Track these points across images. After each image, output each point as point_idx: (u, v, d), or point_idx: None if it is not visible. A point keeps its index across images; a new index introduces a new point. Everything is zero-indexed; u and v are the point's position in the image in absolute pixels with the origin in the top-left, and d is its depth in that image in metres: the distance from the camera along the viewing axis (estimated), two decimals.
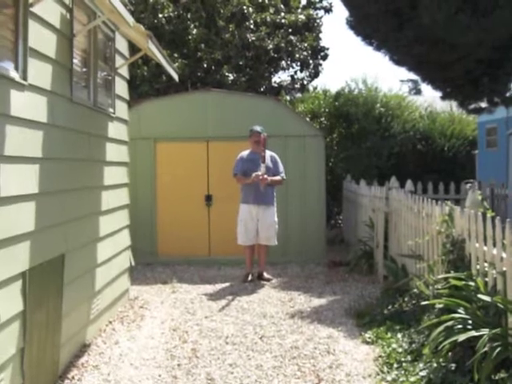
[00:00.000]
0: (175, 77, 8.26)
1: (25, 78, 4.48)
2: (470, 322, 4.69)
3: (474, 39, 8.65)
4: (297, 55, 16.19)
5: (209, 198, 10.77)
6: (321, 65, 16.97)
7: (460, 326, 4.68)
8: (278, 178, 9.26)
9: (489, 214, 5.23)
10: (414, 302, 6.35)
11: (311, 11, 16.82)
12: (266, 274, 9.28)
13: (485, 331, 4.42)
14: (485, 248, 5.08)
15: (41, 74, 4.83)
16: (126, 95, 7.99)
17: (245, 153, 9.35)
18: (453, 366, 4.62)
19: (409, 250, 7.48)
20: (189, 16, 15.18)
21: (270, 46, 15.48)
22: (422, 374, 4.79)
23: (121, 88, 7.62)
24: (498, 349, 4.24)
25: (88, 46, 6.28)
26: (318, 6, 17.41)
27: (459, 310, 4.84)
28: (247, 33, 15.21)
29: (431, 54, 9.35)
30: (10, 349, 4.17)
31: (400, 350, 5.48)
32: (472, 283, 5.07)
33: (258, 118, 10.14)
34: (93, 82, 6.35)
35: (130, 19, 5.60)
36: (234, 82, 15.09)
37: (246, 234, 9.22)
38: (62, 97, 5.34)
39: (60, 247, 5.21)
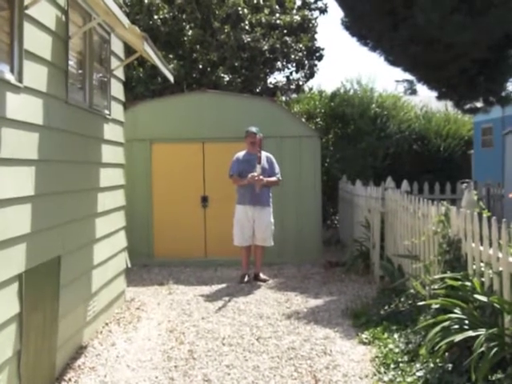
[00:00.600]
0: (171, 78, 8.25)
1: (20, 81, 4.47)
2: (466, 322, 4.70)
3: (469, 39, 8.66)
4: (292, 56, 16.19)
5: (205, 199, 10.77)
6: (316, 65, 16.99)
7: (456, 326, 4.68)
8: (273, 178, 9.26)
9: (485, 214, 5.24)
10: (410, 302, 6.36)
11: (306, 12, 16.82)
12: (262, 275, 9.28)
13: (481, 331, 4.42)
14: (481, 248, 5.09)
15: (36, 76, 4.82)
16: (122, 97, 7.98)
17: (240, 154, 9.34)
18: (450, 366, 4.63)
19: (405, 251, 7.49)
20: (184, 17, 15.18)
21: (266, 47, 15.49)
22: (419, 374, 4.79)
23: (116, 89, 7.61)
24: (495, 349, 4.24)
25: (83, 47, 6.27)
26: (313, 6, 17.42)
27: (456, 310, 4.85)
28: (242, 34, 15.21)
29: (426, 53, 9.36)
30: (7, 351, 4.17)
31: (397, 350, 5.48)
32: (468, 283, 5.07)
33: (254, 118, 10.14)
34: (88, 84, 6.35)
35: (126, 21, 5.59)
36: (229, 83, 15.08)
37: (242, 235, 9.22)
38: (58, 99, 5.33)
39: (56, 249, 5.20)
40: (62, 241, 5.36)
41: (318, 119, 15.26)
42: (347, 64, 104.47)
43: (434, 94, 11.39)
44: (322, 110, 15.41)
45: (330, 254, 10.99)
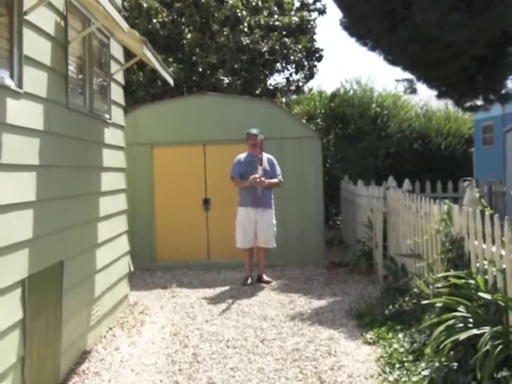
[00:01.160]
0: (170, 81, 8.25)
1: (20, 86, 4.47)
2: (470, 320, 4.68)
3: (468, 37, 8.66)
4: (291, 57, 16.18)
5: (207, 202, 10.76)
6: (316, 66, 16.96)
7: (461, 325, 4.67)
8: (275, 180, 9.25)
9: (487, 212, 5.23)
10: (414, 301, 6.35)
11: (305, 13, 16.80)
12: (265, 277, 9.28)
13: (486, 329, 4.41)
14: (484, 246, 5.08)
15: (36, 81, 4.82)
16: (122, 101, 7.98)
17: (242, 156, 9.34)
18: (455, 365, 4.61)
19: (408, 250, 7.48)
20: (183, 20, 15.17)
21: (265, 49, 15.48)
22: (424, 373, 4.78)
23: (116, 94, 7.61)
24: (500, 347, 4.23)
25: (83, 52, 6.27)
26: (311, 7, 17.41)
27: (460, 309, 4.84)
28: (241, 36, 15.20)
29: (425, 52, 9.36)
30: (11, 357, 4.16)
31: (401, 349, 5.47)
32: (472, 281, 5.06)
33: (254, 120, 10.14)
34: (88, 89, 6.35)
35: (125, 25, 5.59)
36: (229, 86, 15.07)
37: (245, 237, 9.21)
38: (58, 104, 5.33)
39: (59, 254, 5.20)
40: (65, 246, 5.36)
41: (319, 120, 15.28)
42: (347, 64, 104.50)
43: (434, 92, 11.39)
44: (323, 111, 15.43)
45: (333, 255, 10.98)
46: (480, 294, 4.82)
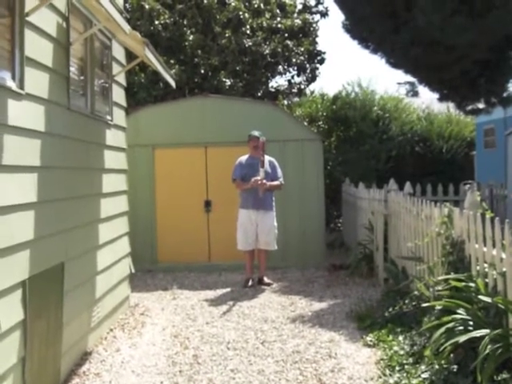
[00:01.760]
0: (172, 83, 8.26)
1: (22, 87, 4.49)
2: (470, 323, 4.69)
3: (470, 40, 8.67)
4: (293, 60, 16.18)
5: (208, 204, 10.77)
6: (318, 69, 16.96)
7: (461, 328, 4.67)
8: (276, 182, 9.26)
9: (488, 215, 5.23)
10: (414, 303, 6.34)
11: (307, 16, 16.81)
12: (266, 279, 9.28)
13: (486, 332, 4.41)
14: (484, 249, 5.08)
15: (38, 82, 4.83)
16: (124, 102, 7.99)
17: (243, 158, 9.35)
18: (455, 367, 4.62)
19: (409, 252, 7.48)
20: (185, 22, 15.18)
21: (267, 51, 15.48)
22: (424, 376, 4.78)
23: (118, 95, 7.63)
24: (500, 350, 4.24)
25: (85, 54, 6.28)
26: (313, 10, 17.40)
27: (460, 311, 4.84)
28: (244, 38, 15.21)
29: (427, 55, 9.36)
30: (11, 358, 4.17)
31: (402, 352, 5.47)
32: (472, 284, 5.07)
33: (256, 122, 10.15)
34: (90, 90, 6.36)
35: (126, 27, 5.60)
36: (231, 88, 15.07)
37: (246, 239, 9.22)
38: (60, 105, 5.34)
39: (60, 255, 5.20)
40: (66, 247, 5.37)
41: (320, 122, 15.29)
42: (349, 67, 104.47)
43: (436, 95, 11.39)
44: (324, 114, 15.44)
45: (334, 257, 10.98)
46: (480, 296, 4.82)
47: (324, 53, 16.84)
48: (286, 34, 16.08)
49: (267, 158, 9.25)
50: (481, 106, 10.98)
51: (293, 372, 5.37)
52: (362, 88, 16.29)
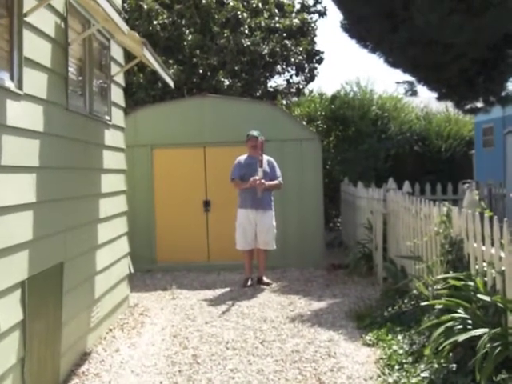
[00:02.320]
0: (171, 83, 8.26)
1: (20, 88, 4.48)
2: (469, 322, 4.69)
3: (468, 39, 8.67)
4: (292, 59, 16.18)
5: (207, 204, 10.77)
6: (316, 68, 16.95)
7: (460, 326, 4.68)
8: (275, 182, 9.26)
9: (486, 214, 5.23)
10: (413, 303, 6.35)
11: (305, 15, 16.81)
12: (265, 279, 9.28)
13: (485, 331, 4.42)
14: (483, 248, 5.09)
15: (36, 83, 4.83)
16: (122, 102, 7.99)
17: (242, 157, 9.35)
18: (454, 366, 4.62)
19: (408, 252, 7.48)
20: (183, 22, 15.18)
21: (265, 51, 15.48)
22: (424, 375, 4.78)
23: (117, 95, 7.62)
24: (499, 348, 4.24)
25: (83, 54, 6.28)
26: (312, 10, 17.41)
27: (459, 310, 4.84)
28: (242, 38, 15.20)
29: (426, 55, 9.37)
30: (11, 358, 4.17)
31: (401, 351, 5.48)
32: (471, 283, 5.07)
33: (255, 122, 10.15)
34: (88, 90, 6.36)
35: (125, 27, 5.60)
36: (229, 87, 15.07)
37: (245, 238, 9.22)
38: (58, 105, 5.34)
39: (59, 256, 5.21)
40: (65, 247, 5.37)
41: (319, 122, 15.29)
42: (347, 66, 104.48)
43: (435, 94, 11.39)
44: (323, 113, 15.43)
45: (333, 257, 10.98)
46: (479, 295, 4.82)
47: (322, 52, 16.84)
48: (285, 34, 16.07)
49: (266, 157, 9.25)
50: (479, 104, 10.98)
51: (292, 371, 5.37)
52: (361, 87, 16.29)
